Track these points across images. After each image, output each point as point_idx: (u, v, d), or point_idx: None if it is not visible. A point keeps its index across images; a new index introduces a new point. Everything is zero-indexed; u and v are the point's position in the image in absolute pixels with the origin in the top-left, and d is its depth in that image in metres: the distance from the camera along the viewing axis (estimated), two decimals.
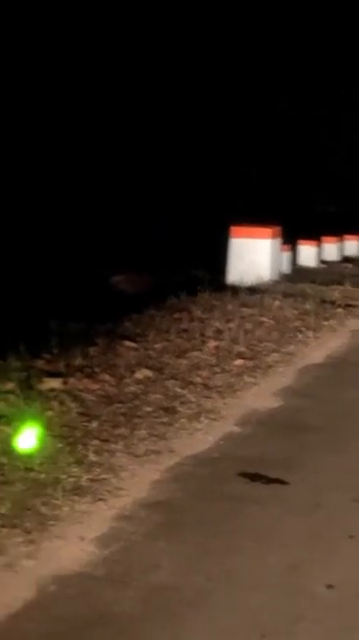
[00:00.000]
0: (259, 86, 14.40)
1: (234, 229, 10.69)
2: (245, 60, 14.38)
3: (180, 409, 4.89)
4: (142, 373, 5.45)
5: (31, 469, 3.70)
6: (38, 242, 9.94)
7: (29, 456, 3.82)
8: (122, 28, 13.18)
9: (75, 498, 3.52)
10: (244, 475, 3.96)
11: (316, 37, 15.21)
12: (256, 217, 11.02)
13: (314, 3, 15.38)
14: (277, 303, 8.60)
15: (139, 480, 3.82)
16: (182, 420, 4.70)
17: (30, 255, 9.53)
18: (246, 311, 8.04)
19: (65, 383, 4.99)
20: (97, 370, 5.37)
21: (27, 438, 3.96)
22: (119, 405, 4.80)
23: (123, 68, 13.03)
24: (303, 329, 7.60)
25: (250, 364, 6.16)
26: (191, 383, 5.43)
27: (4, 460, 3.76)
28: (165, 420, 4.67)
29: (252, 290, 9.45)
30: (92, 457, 3.96)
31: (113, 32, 13.05)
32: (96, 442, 4.17)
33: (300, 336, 7.37)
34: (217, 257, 10.56)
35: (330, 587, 2.94)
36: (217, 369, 5.89)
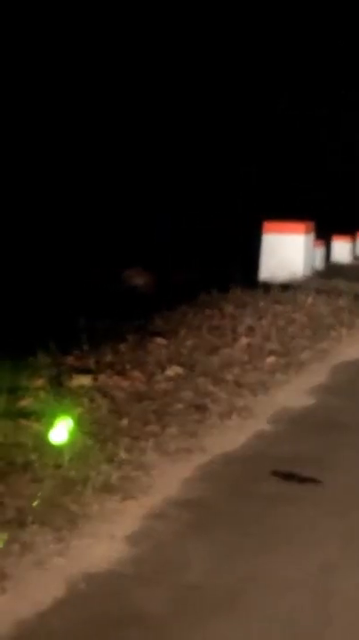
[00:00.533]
0: (259, 86, 14.34)
1: (266, 225, 10.61)
2: (245, 61, 14.31)
3: (212, 406, 4.84)
4: (173, 370, 5.41)
5: (61, 466, 3.67)
6: (44, 242, 9.96)
7: (59, 453, 3.80)
8: (121, 27, 13.17)
9: (106, 496, 3.49)
10: (277, 473, 3.91)
11: (316, 37, 15.09)
12: (285, 213, 10.93)
13: (314, 3, 15.27)
14: (310, 300, 8.51)
15: (169, 478, 3.78)
16: (213, 418, 4.66)
17: (37, 256, 9.55)
18: (278, 308, 7.97)
19: (95, 380, 4.96)
20: (127, 366, 5.35)
21: (57, 435, 3.94)
22: (150, 402, 4.76)
23: (122, 68, 13.02)
24: (336, 326, 7.51)
25: (282, 361, 6.09)
26: (222, 380, 5.38)
27: (34, 456, 3.74)
28: (196, 417, 4.63)
29: (285, 286, 9.36)
30: (123, 454, 3.92)
31: (112, 32, 13.05)
32: (126, 439, 4.13)
33: (334, 333, 7.29)
34: (248, 253, 10.50)
35: None
36: (249, 366, 5.83)
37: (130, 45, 13.19)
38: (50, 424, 4.04)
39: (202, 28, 14.07)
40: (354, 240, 16.56)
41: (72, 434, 4.00)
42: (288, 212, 10.95)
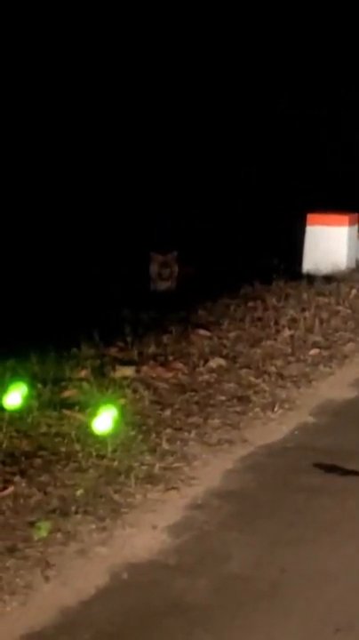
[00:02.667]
0: (259, 86, 14.25)
1: (310, 217, 10.52)
2: (244, 61, 14.21)
3: (254, 398, 4.84)
4: (216, 362, 5.42)
5: (104, 457, 3.71)
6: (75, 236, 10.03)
7: (102, 443, 3.83)
8: (122, 27, 13.17)
9: (148, 486, 3.52)
10: (319, 466, 3.90)
11: (316, 37, 14.92)
12: (330, 205, 10.84)
13: (314, 3, 15.09)
14: (354, 292, 8.43)
15: (211, 469, 3.79)
16: (256, 410, 4.65)
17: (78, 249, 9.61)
18: (322, 300, 7.92)
19: (138, 371, 4.99)
20: (170, 358, 5.36)
21: (101, 426, 3.97)
22: (192, 394, 4.78)
23: (123, 67, 13.02)
24: None
25: (325, 353, 6.06)
26: (265, 372, 5.37)
27: (78, 447, 3.78)
28: (239, 409, 4.64)
29: (328, 278, 9.29)
30: (165, 445, 3.95)
31: (113, 32, 13.05)
32: (169, 430, 4.16)
33: None
34: (291, 246, 10.44)
35: None
36: (291, 358, 5.81)
37: (130, 47, 13.19)
38: (93, 415, 4.08)
39: (202, 29, 14.03)
40: None
41: (115, 425, 4.03)
42: (331, 204, 10.87)
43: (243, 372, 5.32)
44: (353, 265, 10.64)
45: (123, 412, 4.26)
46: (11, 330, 5.43)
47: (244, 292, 7.99)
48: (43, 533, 3.05)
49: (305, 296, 8.00)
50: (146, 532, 3.16)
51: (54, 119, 12.18)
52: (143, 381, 4.84)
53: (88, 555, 2.97)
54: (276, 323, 6.74)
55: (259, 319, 6.84)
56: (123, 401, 4.43)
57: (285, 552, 3.06)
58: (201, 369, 5.26)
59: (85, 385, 4.59)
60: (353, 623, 2.62)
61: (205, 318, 6.73)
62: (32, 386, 4.43)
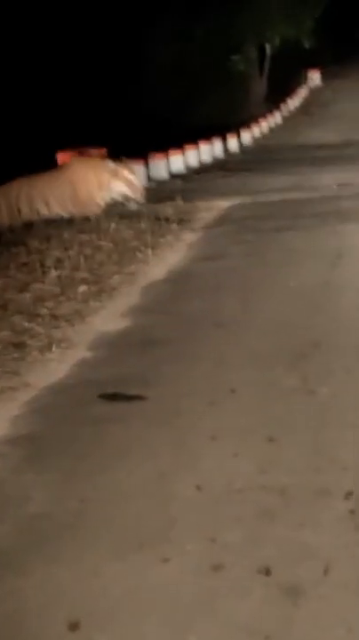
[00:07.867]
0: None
1: (60, 156, 10.48)
2: None
3: (30, 342, 4.86)
4: None
5: None
6: None
7: None
8: None
9: None
10: (103, 396, 4.00)
11: None
12: (79, 139, 10.84)
13: None
14: (113, 225, 8.58)
15: None
16: (34, 353, 4.68)
17: None
18: (84, 237, 8.00)
19: None
20: None
21: None
22: None
23: None
24: (142, 248, 7.65)
25: (94, 288, 6.16)
26: (38, 315, 5.39)
27: None
28: (16, 355, 4.64)
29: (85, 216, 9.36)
30: None
31: None
32: None
33: (140, 255, 7.42)
34: None
35: (199, 488, 3.05)
36: (62, 298, 5.86)
37: None
38: None
39: None
40: (146, 163, 16.65)
41: None
42: (80, 141, 10.87)
43: (16, 318, 5.30)
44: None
45: None
46: None
47: (6, 239, 7.90)
48: None
49: (67, 235, 8.04)
50: None
51: None
52: None
53: None
54: (42, 265, 6.75)
55: (25, 264, 6.82)
56: None
57: (82, 484, 3.15)
58: None
59: None
60: (155, 536, 2.76)
61: None
62: None
